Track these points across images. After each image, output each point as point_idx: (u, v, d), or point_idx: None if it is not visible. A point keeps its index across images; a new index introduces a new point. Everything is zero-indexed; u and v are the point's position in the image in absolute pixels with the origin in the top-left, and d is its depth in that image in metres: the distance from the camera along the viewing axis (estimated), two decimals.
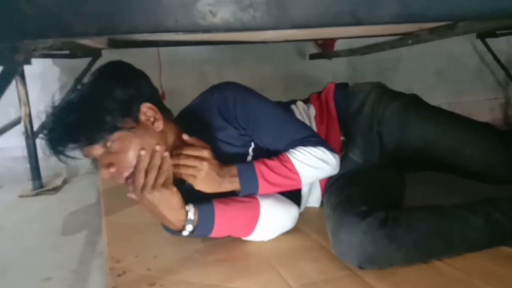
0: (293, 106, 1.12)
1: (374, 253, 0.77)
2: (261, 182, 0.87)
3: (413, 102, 1.09)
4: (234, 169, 0.87)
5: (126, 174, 0.83)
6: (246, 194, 0.89)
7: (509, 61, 2.35)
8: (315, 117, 1.10)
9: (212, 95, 0.94)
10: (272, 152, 0.93)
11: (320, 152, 0.91)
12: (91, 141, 0.81)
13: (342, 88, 1.16)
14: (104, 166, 0.82)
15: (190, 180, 0.84)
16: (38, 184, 1.60)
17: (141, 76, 0.90)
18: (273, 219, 0.92)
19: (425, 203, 0.89)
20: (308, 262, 0.84)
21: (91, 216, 1.26)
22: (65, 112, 0.81)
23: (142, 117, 0.85)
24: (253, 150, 0.96)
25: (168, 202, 0.81)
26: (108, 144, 0.81)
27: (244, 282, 0.79)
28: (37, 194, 1.55)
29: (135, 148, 0.82)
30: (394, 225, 0.79)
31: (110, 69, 0.88)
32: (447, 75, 2.36)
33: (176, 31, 0.45)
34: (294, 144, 0.91)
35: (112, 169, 0.81)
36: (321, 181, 1.08)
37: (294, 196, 1.01)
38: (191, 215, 0.84)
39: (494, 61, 2.22)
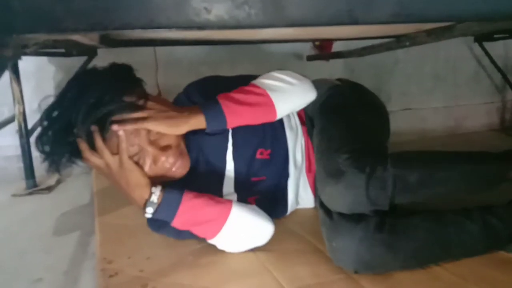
0: None
1: (370, 260, 0.77)
2: (226, 109, 0.85)
3: (330, 106, 1.04)
4: (195, 107, 0.86)
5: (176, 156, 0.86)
6: (215, 131, 0.88)
7: (506, 65, 2.36)
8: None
9: (182, 92, 1.01)
10: None
11: (281, 71, 0.95)
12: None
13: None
14: (162, 150, 0.84)
15: (146, 124, 0.81)
16: (32, 183, 1.58)
17: None
18: (242, 226, 0.86)
19: (421, 208, 0.88)
20: (303, 265, 0.83)
21: (84, 217, 1.24)
22: (93, 87, 0.79)
23: None
24: (232, 136, 0.95)
25: (129, 179, 0.81)
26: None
27: (238, 285, 0.78)
28: (30, 194, 1.53)
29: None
30: (390, 232, 0.78)
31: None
32: (444, 79, 2.36)
33: (169, 27, 0.44)
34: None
35: (175, 150, 0.86)
36: (310, 181, 1.08)
37: (279, 199, 1.02)
38: (155, 196, 0.81)
39: (491, 65, 2.22)
